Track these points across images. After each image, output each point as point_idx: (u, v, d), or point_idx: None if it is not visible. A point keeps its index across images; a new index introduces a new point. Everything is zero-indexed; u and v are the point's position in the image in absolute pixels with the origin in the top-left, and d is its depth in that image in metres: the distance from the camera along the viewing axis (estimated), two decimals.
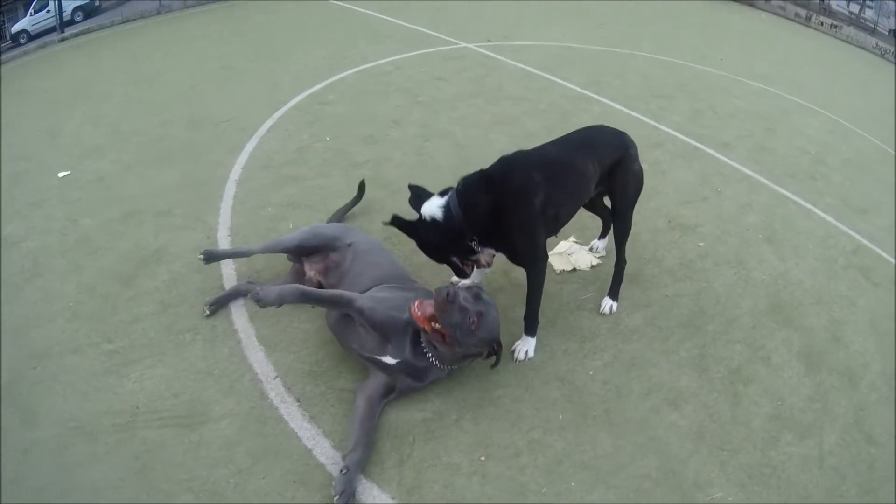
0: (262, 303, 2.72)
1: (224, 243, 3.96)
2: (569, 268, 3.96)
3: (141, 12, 11.15)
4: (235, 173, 4.84)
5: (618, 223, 3.55)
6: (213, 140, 5.44)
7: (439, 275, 3.54)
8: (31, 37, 9.63)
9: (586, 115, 6.50)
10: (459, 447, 2.73)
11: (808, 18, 17.15)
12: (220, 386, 2.91)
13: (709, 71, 9.30)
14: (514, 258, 3.14)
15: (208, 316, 3.30)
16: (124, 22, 10.55)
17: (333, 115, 6.06)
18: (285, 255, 3.57)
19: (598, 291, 3.75)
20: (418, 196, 3.10)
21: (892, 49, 14.81)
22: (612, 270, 3.66)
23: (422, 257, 3.19)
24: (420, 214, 3.01)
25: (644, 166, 3.52)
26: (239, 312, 3.37)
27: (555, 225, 3.16)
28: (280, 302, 2.76)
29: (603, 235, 4.11)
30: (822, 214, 5.20)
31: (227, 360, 3.05)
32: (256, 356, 3.09)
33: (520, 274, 3.57)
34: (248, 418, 2.76)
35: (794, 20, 17.31)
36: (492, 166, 3.01)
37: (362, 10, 10.83)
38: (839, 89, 10.20)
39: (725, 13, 16.52)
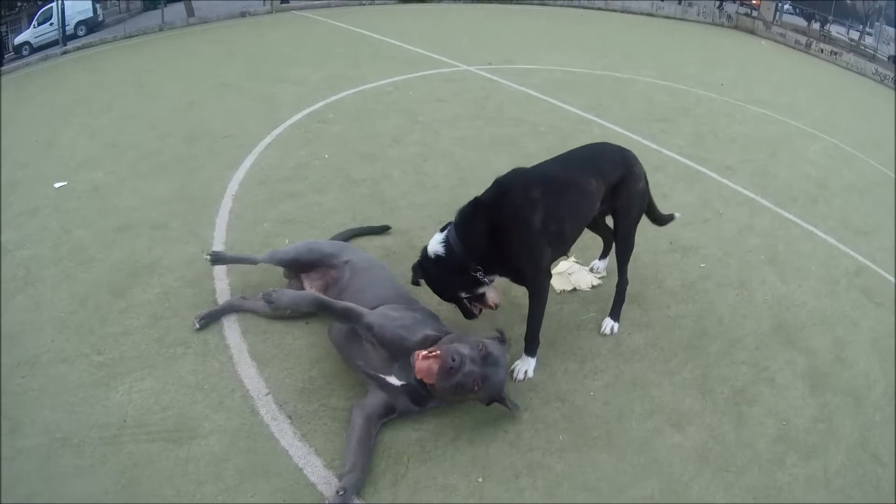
0: (274, 305, 2.70)
1: None
2: (569, 287, 3.90)
3: (143, 28, 11.26)
4: (232, 188, 4.81)
5: (620, 243, 3.49)
6: (211, 155, 5.42)
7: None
8: (34, 49, 9.71)
9: (587, 137, 6.47)
10: (456, 468, 2.64)
11: (809, 45, 17.32)
12: (210, 401, 2.83)
13: (710, 96, 9.34)
14: (518, 279, 3.08)
15: (198, 330, 3.24)
16: (126, 37, 10.64)
17: (333, 134, 6.05)
18: (281, 272, 3.54)
19: (599, 312, 3.69)
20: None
21: (892, 75, 14.92)
22: (612, 291, 3.60)
23: None
24: (425, 253, 3.00)
25: None
26: (231, 328, 3.30)
27: (561, 243, 3.10)
28: (293, 307, 2.75)
29: (604, 255, 4.06)
30: (824, 236, 5.16)
31: (217, 375, 2.98)
32: (248, 372, 3.01)
33: (518, 293, 3.53)
34: (237, 435, 2.68)
35: (794, 47, 17.49)
36: (485, 192, 2.98)
37: (364, 32, 10.94)
38: (840, 115, 10.24)
39: (726, 40, 16.74)
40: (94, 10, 11.35)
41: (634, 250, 3.53)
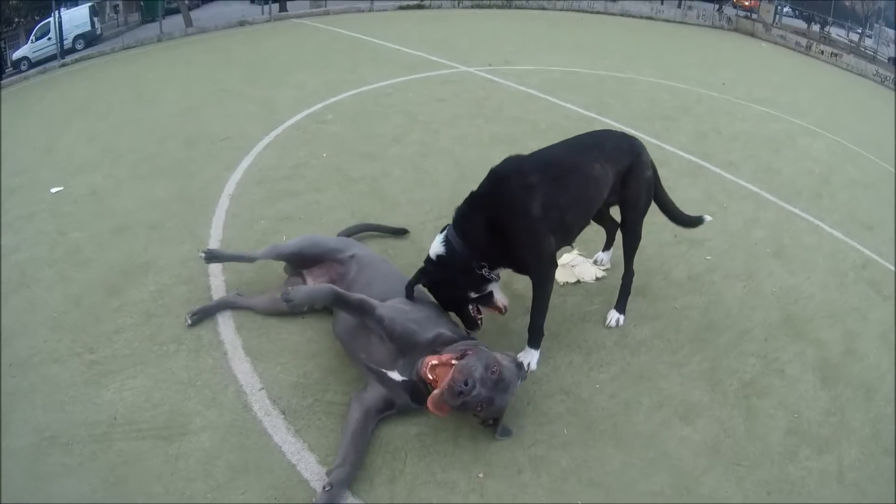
0: (291, 303, 2.62)
1: None
2: (573, 280, 3.82)
3: (141, 40, 11.29)
4: (230, 188, 4.76)
5: (627, 234, 3.39)
6: (209, 157, 5.38)
7: None
8: (32, 64, 9.74)
9: None
10: (456, 464, 2.55)
11: (809, 47, 17.29)
12: (202, 397, 2.75)
13: (712, 95, 9.28)
14: (521, 268, 2.98)
15: (190, 326, 3.17)
16: (125, 49, 10.65)
17: (331, 134, 6.01)
18: (279, 269, 3.47)
19: (603, 304, 3.60)
20: None
21: (892, 76, 14.89)
22: (616, 283, 3.52)
23: None
24: (428, 258, 2.91)
25: None
26: (226, 324, 3.23)
27: (564, 231, 2.99)
28: (311, 302, 2.69)
29: (607, 247, 3.98)
30: (830, 230, 5.07)
31: (210, 371, 2.90)
32: (242, 367, 2.93)
33: (521, 285, 3.46)
34: (229, 431, 2.59)
35: (794, 49, 17.46)
36: (480, 185, 2.89)
37: (363, 38, 10.94)
38: (841, 114, 10.17)
39: (726, 42, 16.75)
40: (92, 24, 11.42)
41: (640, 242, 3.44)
